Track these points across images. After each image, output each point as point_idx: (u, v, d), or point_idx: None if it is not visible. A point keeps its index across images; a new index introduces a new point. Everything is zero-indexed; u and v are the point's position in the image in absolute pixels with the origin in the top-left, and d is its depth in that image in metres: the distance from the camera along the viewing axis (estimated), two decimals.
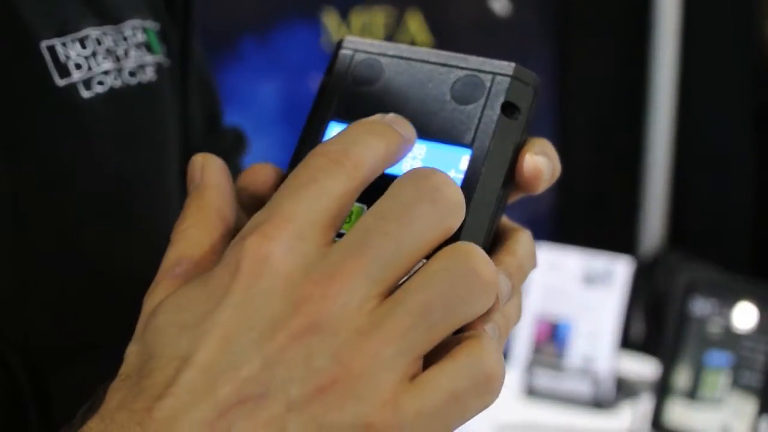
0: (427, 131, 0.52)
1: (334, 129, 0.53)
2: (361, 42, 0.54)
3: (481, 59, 0.53)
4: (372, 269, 0.43)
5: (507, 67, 0.52)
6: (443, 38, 2.04)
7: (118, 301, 0.61)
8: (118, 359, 0.63)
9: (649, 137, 2.34)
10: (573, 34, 2.22)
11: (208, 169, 0.52)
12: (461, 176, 0.51)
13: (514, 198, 0.54)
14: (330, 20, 1.99)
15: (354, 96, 0.53)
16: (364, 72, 0.53)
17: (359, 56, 0.54)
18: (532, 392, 1.83)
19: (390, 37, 2.03)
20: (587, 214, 2.31)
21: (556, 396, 1.82)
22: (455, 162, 0.51)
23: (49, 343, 0.59)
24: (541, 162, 0.51)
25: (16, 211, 0.56)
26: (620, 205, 2.38)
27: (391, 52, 0.54)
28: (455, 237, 0.48)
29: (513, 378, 1.86)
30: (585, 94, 2.27)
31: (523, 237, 0.52)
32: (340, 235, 0.49)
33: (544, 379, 1.82)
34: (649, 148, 2.34)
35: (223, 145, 0.84)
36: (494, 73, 0.52)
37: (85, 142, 0.60)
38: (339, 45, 0.55)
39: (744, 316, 1.63)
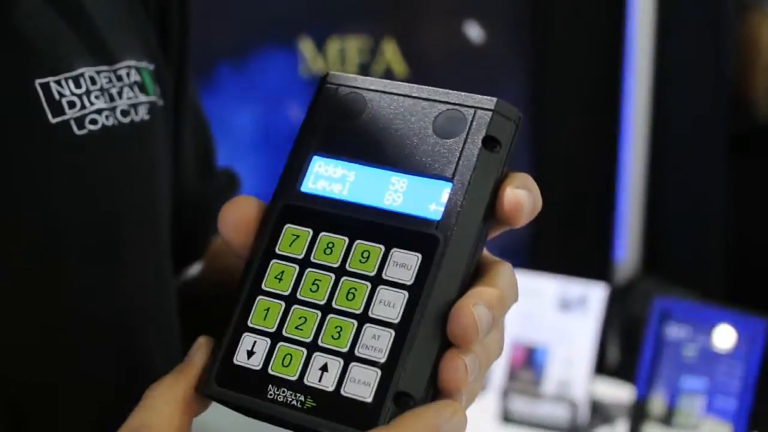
0: (409, 164, 0.53)
1: (317, 163, 0.54)
2: (345, 77, 0.55)
3: (463, 94, 0.53)
4: None
5: (489, 101, 0.53)
6: (418, 66, 2.05)
7: (100, 341, 0.62)
8: (96, 397, 0.64)
9: (624, 164, 2.35)
10: (548, 63, 2.24)
11: (201, 352, 0.53)
12: (441, 209, 0.51)
13: (495, 232, 0.54)
14: (306, 48, 2.00)
15: (338, 130, 0.54)
16: (347, 106, 0.54)
17: (343, 90, 0.54)
18: (508, 418, 1.83)
19: (366, 66, 2.04)
20: (562, 240, 2.32)
21: (532, 421, 1.82)
22: (436, 195, 0.52)
23: (31, 380, 0.59)
24: (521, 196, 0.52)
25: (9, 249, 0.56)
26: (595, 232, 2.39)
27: (374, 87, 0.55)
28: (435, 270, 0.50)
29: (489, 404, 1.86)
30: (559, 122, 2.28)
31: (504, 270, 0.53)
32: (315, 265, 0.53)
33: (520, 405, 1.82)
34: (624, 174, 2.35)
35: (216, 187, 0.85)
36: (476, 108, 0.53)
37: (78, 178, 0.60)
38: (323, 80, 0.55)
39: (719, 340, 1.64)
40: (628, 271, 2.37)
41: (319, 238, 0.53)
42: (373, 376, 0.49)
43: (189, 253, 0.82)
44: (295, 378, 0.51)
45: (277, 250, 0.54)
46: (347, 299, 0.52)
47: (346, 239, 0.53)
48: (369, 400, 0.49)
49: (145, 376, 0.64)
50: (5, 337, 0.57)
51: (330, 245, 0.53)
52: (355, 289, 0.52)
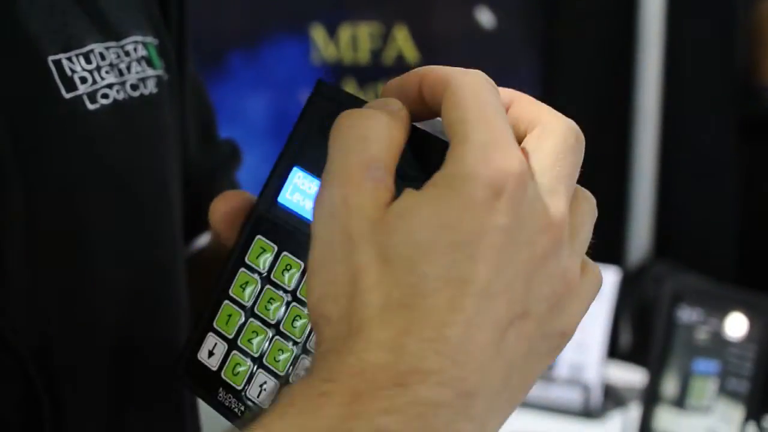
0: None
1: (296, 174, 0.54)
2: (335, 91, 0.54)
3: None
4: (570, 185, 0.47)
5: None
6: (429, 52, 2.06)
7: (121, 307, 0.63)
8: (128, 368, 0.65)
9: (634, 148, 2.35)
10: (559, 48, 2.24)
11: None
12: None
13: None
14: (318, 35, 2.01)
15: (318, 146, 0.52)
16: (329, 123, 0.51)
17: (330, 107, 0.52)
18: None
19: (377, 52, 2.04)
20: None
21: (545, 405, 1.83)
22: None
23: (65, 352, 0.60)
24: None
25: (29, 218, 0.58)
26: (607, 216, 2.38)
27: (360, 106, 0.52)
28: None
29: None
30: (570, 107, 2.28)
31: None
32: (274, 283, 0.53)
33: (534, 389, 1.83)
34: (635, 158, 2.35)
35: (219, 157, 0.86)
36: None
37: (93, 151, 0.62)
38: (315, 89, 0.54)
39: (732, 323, 1.65)
40: (640, 254, 2.37)
41: (281, 257, 0.54)
42: None
43: (196, 224, 0.83)
44: (240, 388, 0.53)
45: (246, 259, 0.55)
46: (292, 325, 0.53)
47: (302, 264, 0.53)
48: None
49: (156, 343, 0.66)
50: (35, 308, 0.58)
51: (288, 267, 0.53)
52: (300, 317, 0.53)
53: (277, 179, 0.55)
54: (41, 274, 0.58)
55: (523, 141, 0.47)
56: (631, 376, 1.93)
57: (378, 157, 0.45)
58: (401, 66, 2.06)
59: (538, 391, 1.82)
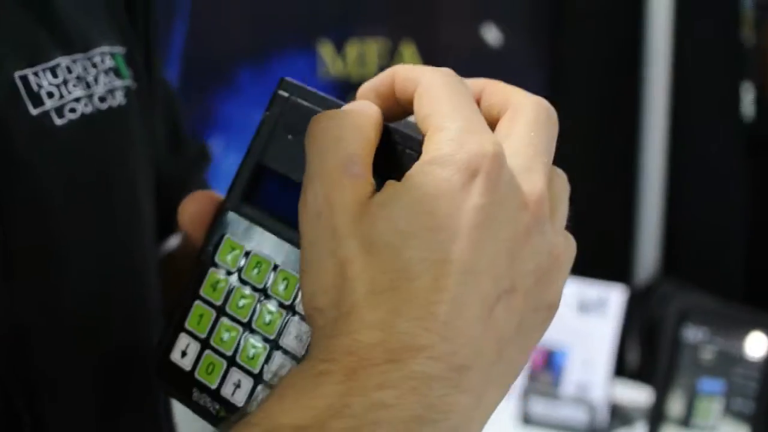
0: None
1: (260, 173, 0.54)
2: (299, 88, 0.54)
3: (404, 131, 0.51)
4: (547, 162, 0.49)
5: (419, 144, 0.50)
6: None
7: (98, 316, 0.63)
8: (108, 376, 0.65)
9: (642, 165, 2.34)
10: (565, 65, 2.23)
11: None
12: None
13: None
14: (326, 51, 2.01)
15: (282, 143, 0.53)
16: (294, 120, 0.53)
17: (293, 101, 0.53)
18: (527, 419, 1.83)
19: (385, 67, 2.04)
20: (580, 241, 2.31)
21: (551, 423, 1.82)
22: None
23: (44, 365, 0.60)
24: None
25: (1, 235, 0.57)
26: (614, 233, 2.38)
27: (323, 105, 0.53)
28: None
29: (509, 405, 1.86)
30: (576, 123, 2.28)
31: None
32: (244, 282, 0.53)
33: (540, 406, 1.83)
34: (643, 176, 2.34)
35: (188, 160, 0.86)
36: (406, 148, 0.50)
37: (62, 166, 0.61)
38: (278, 86, 0.55)
39: (741, 342, 1.64)
40: (648, 272, 2.36)
41: (250, 256, 0.54)
42: None
43: (166, 226, 0.83)
44: (214, 387, 0.53)
45: (216, 259, 0.55)
46: (265, 323, 0.53)
47: (273, 262, 0.53)
48: None
49: (134, 348, 0.66)
50: (15, 324, 0.58)
51: (258, 265, 0.54)
52: (272, 314, 0.53)
53: (242, 179, 0.55)
54: (17, 288, 0.58)
55: (496, 125, 0.49)
56: (638, 394, 1.92)
57: (354, 154, 0.47)
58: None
59: (544, 409, 1.82)
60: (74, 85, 0.63)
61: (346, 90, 2.00)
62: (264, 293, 0.53)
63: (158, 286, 0.71)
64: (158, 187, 0.77)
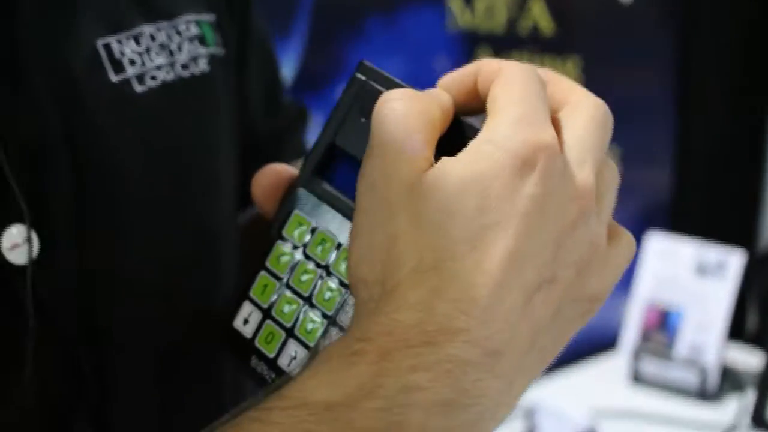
0: None
1: (334, 153, 0.55)
2: (376, 72, 0.53)
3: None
4: (599, 158, 0.48)
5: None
6: (564, 24, 2.04)
7: (170, 286, 0.65)
8: (175, 343, 0.65)
9: None
10: (698, 24, 2.19)
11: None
12: None
13: None
14: (455, 3, 2.01)
15: (354, 126, 0.53)
16: (368, 104, 0.51)
17: (369, 85, 0.53)
18: (638, 378, 1.83)
19: (513, 21, 2.04)
20: (704, 204, 2.28)
21: (661, 384, 1.82)
22: None
23: (112, 328, 0.62)
24: None
25: (77, 199, 0.59)
26: (738, 197, 2.33)
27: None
28: None
29: (620, 363, 1.87)
30: (706, 82, 2.23)
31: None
32: (309, 257, 0.54)
33: (651, 367, 1.83)
34: None
35: (284, 119, 0.86)
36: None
37: (140, 133, 0.62)
38: (356, 69, 0.54)
39: None
40: None
41: (316, 232, 0.55)
42: None
43: None
44: (272, 356, 0.54)
45: (283, 232, 0.56)
46: (324, 299, 0.53)
47: (337, 240, 0.54)
48: None
49: (194, 314, 0.67)
50: (73, 283, 0.59)
51: (323, 242, 0.54)
52: (332, 291, 0.53)
53: (316, 156, 0.55)
54: (86, 245, 0.59)
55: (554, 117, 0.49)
56: (752, 359, 1.90)
57: (417, 130, 0.47)
58: (536, 36, 2.05)
59: (656, 369, 1.82)
60: (157, 53, 0.64)
61: (475, 42, 2.01)
62: (326, 270, 0.54)
63: (236, 256, 0.72)
64: (256, 148, 0.78)
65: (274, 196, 0.57)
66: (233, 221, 0.73)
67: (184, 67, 0.66)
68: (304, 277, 0.54)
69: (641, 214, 2.16)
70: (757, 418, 1.66)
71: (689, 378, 1.79)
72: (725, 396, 1.80)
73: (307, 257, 0.54)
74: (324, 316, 0.53)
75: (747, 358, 1.92)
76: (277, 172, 0.58)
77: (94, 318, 0.60)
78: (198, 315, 0.67)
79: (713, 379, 1.79)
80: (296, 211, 0.55)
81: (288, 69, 1.87)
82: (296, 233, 0.55)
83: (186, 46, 0.67)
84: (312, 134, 0.87)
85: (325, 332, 0.52)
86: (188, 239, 0.67)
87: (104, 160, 0.60)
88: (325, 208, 0.54)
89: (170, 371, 0.66)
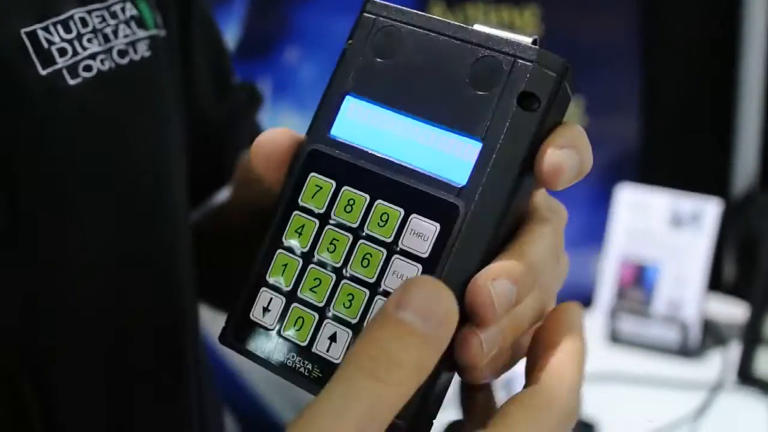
0: (440, 117, 0.49)
1: (350, 104, 0.51)
2: (385, 6, 0.51)
3: (506, 39, 0.48)
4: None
5: (531, 51, 0.48)
6: None
7: (116, 295, 0.60)
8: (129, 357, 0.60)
9: (741, 70, 2.24)
10: None
11: None
12: (468, 173, 0.47)
13: (538, 190, 0.50)
14: None
15: (371, 69, 0.50)
16: (383, 42, 0.50)
17: (381, 22, 0.51)
18: (616, 338, 1.77)
19: None
20: (675, 152, 2.24)
21: (641, 342, 1.76)
22: (464, 155, 0.48)
23: (48, 337, 0.57)
24: (563, 158, 0.46)
25: (10, 214, 0.54)
26: (712, 143, 2.29)
27: (414, 22, 0.50)
28: (451, 245, 0.46)
29: (597, 323, 1.80)
30: (675, 27, 2.19)
31: (541, 232, 0.48)
32: (335, 223, 0.49)
33: (629, 325, 1.77)
34: (743, 80, 2.25)
35: (236, 101, 0.81)
36: (516, 57, 0.48)
37: (77, 131, 0.57)
38: (363, 7, 0.51)
39: None
40: (747, 184, 2.27)
41: (341, 193, 0.50)
42: None
43: (215, 178, 0.79)
44: (305, 344, 0.49)
45: (300, 201, 0.51)
46: (362, 265, 0.49)
47: (368, 197, 0.49)
48: None
49: (141, 312, 0.62)
50: (8, 280, 0.55)
51: (351, 202, 0.50)
52: (371, 255, 0.48)
53: (327, 111, 0.51)
54: (23, 256, 0.54)
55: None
56: (733, 311, 1.85)
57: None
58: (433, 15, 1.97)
59: (634, 328, 1.76)
60: (89, 40, 0.58)
61: None
62: (359, 232, 0.49)
63: (190, 261, 0.67)
64: (204, 135, 0.73)
65: (279, 164, 0.51)
66: (187, 221, 0.67)
67: (122, 53, 0.60)
68: (333, 245, 0.49)
69: (609, 166, 2.10)
70: (743, 373, 1.60)
71: (669, 335, 1.73)
72: (708, 352, 1.74)
73: (334, 223, 0.50)
74: (364, 284, 0.48)
75: (728, 311, 1.86)
76: (281, 136, 0.51)
77: (31, 333, 0.55)
78: (151, 321, 0.62)
79: (694, 334, 1.73)
80: (313, 175, 0.51)
81: (230, 35, 1.79)
82: (316, 198, 0.50)
83: (122, 29, 0.60)
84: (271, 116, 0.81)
85: (370, 303, 0.48)
86: (141, 245, 0.61)
87: (37, 162, 0.55)
88: (348, 165, 0.50)
89: (122, 388, 0.61)
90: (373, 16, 0.51)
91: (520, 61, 0.48)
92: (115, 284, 0.59)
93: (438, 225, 0.47)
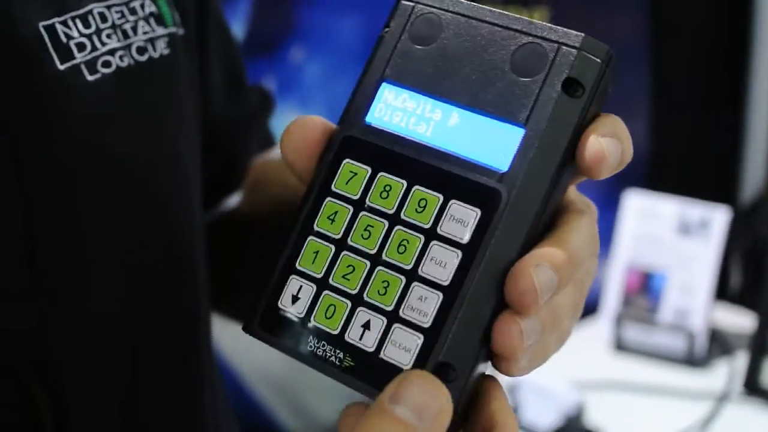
0: (481, 103, 0.48)
1: (386, 90, 0.50)
2: None
3: (548, 26, 0.48)
4: None
5: (575, 37, 0.48)
6: None
7: (134, 295, 0.58)
8: (128, 361, 0.59)
9: (751, 76, 2.23)
10: None
11: None
12: (510, 159, 0.47)
13: (578, 181, 0.49)
14: None
15: (409, 55, 0.50)
16: (421, 28, 0.50)
17: (419, 9, 0.51)
18: (621, 346, 1.75)
19: None
20: (684, 159, 2.22)
21: (646, 351, 1.73)
22: (506, 141, 0.47)
23: (61, 344, 0.55)
24: (606, 145, 0.46)
25: (23, 204, 0.53)
26: (720, 150, 2.28)
27: (453, 9, 0.50)
28: (493, 230, 0.45)
29: (602, 330, 1.78)
30: (684, 32, 2.17)
31: (580, 223, 0.48)
32: (370, 209, 0.49)
33: (635, 333, 1.74)
34: (752, 88, 2.23)
35: (248, 105, 0.80)
36: (559, 44, 0.48)
37: (94, 128, 0.55)
38: None
39: None
40: (755, 191, 2.25)
41: (377, 179, 0.49)
42: (415, 341, 0.46)
43: (226, 183, 0.78)
44: (336, 332, 0.48)
45: (333, 187, 0.50)
46: (398, 252, 0.48)
47: (405, 183, 0.49)
48: (408, 367, 0.45)
49: (159, 318, 0.61)
50: (23, 281, 0.53)
51: (387, 188, 0.49)
52: (408, 242, 0.48)
53: (363, 98, 0.51)
54: (36, 276, 0.53)
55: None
56: (740, 320, 1.83)
57: None
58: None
59: (639, 336, 1.73)
60: (109, 36, 0.57)
61: None
62: (395, 218, 0.48)
63: (205, 256, 0.66)
64: (215, 139, 0.72)
65: (310, 152, 0.50)
66: (203, 223, 0.66)
67: (141, 50, 0.59)
68: (368, 232, 0.49)
69: (617, 172, 2.08)
70: (750, 384, 1.58)
71: (676, 343, 1.71)
72: (714, 361, 1.72)
73: (369, 209, 0.49)
74: (400, 271, 0.47)
75: (734, 320, 1.84)
76: (312, 123, 0.50)
77: (46, 337, 0.54)
78: (171, 334, 0.62)
79: (701, 343, 1.70)
80: (347, 161, 0.50)
81: (236, 34, 1.78)
82: (350, 184, 0.50)
83: (141, 26, 0.59)
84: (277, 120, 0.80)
85: (407, 290, 0.47)
86: (158, 245, 0.60)
87: (53, 161, 0.53)
88: (384, 150, 0.50)
89: (137, 396, 0.60)
90: (412, 4, 0.51)
91: (565, 47, 0.47)
92: (133, 284, 0.58)
93: (479, 211, 0.46)
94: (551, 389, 1.51)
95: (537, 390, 1.51)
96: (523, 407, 1.51)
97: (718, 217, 1.75)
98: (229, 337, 0.52)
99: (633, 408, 1.57)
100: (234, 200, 0.79)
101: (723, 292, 1.96)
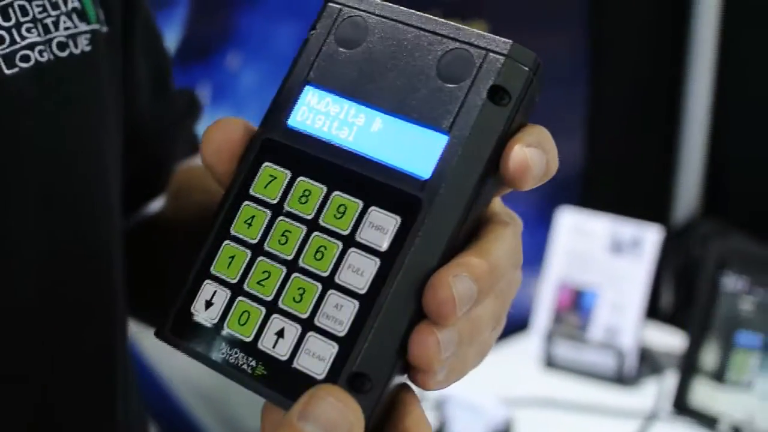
0: (405, 108, 0.47)
1: (309, 93, 0.49)
2: None
3: (477, 32, 0.47)
4: None
5: (503, 44, 0.47)
6: None
7: (48, 290, 0.57)
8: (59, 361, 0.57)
9: (686, 96, 2.25)
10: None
11: None
12: (432, 166, 0.46)
13: (502, 192, 0.48)
14: None
15: (334, 58, 0.49)
16: (347, 31, 0.49)
17: (346, 12, 0.50)
18: (551, 363, 1.75)
19: None
20: (617, 177, 2.23)
21: (576, 368, 1.74)
22: (428, 149, 0.46)
23: None
24: (530, 156, 0.45)
25: None
26: (654, 170, 2.29)
27: (381, 12, 0.49)
28: (412, 239, 0.44)
29: (532, 347, 1.78)
30: (619, 50, 2.19)
31: (503, 234, 0.47)
32: (288, 214, 0.48)
33: (565, 350, 1.74)
34: (686, 108, 2.25)
35: (174, 109, 0.78)
36: (487, 50, 0.47)
37: (10, 125, 0.54)
38: None
39: None
40: (688, 211, 2.27)
41: (296, 183, 0.48)
42: (330, 351, 0.45)
43: (149, 186, 0.76)
44: (249, 339, 0.47)
45: (251, 191, 0.49)
46: (315, 258, 0.47)
47: (324, 188, 0.48)
48: (321, 377, 0.44)
49: (75, 313, 0.60)
50: None
51: (307, 193, 0.48)
52: (325, 248, 0.47)
53: (285, 100, 0.50)
54: None
55: None
56: (670, 339, 1.84)
57: None
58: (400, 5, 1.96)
59: (569, 353, 1.73)
60: (29, 30, 0.56)
61: None
62: (313, 224, 0.47)
63: (122, 257, 0.64)
64: (139, 141, 0.70)
65: (231, 154, 0.49)
66: (121, 225, 0.65)
67: (62, 46, 0.57)
68: (285, 238, 0.48)
69: (551, 188, 2.08)
70: (678, 403, 1.59)
71: (605, 361, 1.71)
72: (644, 380, 1.73)
73: (287, 214, 0.48)
74: (316, 278, 0.46)
75: (664, 339, 1.84)
76: (233, 125, 0.49)
77: None
78: (85, 332, 0.60)
79: (631, 362, 1.71)
80: (266, 164, 0.49)
81: (171, 39, 1.76)
82: (269, 188, 0.49)
83: (63, 21, 0.58)
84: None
85: (322, 298, 0.46)
86: (75, 243, 0.59)
87: None
88: (304, 154, 0.49)
89: (47, 392, 0.59)
90: (339, 6, 0.50)
91: (492, 54, 0.46)
92: (47, 280, 0.56)
93: (399, 218, 0.45)
94: (480, 405, 1.50)
95: (465, 405, 1.50)
96: (451, 422, 1.50)
97: (650, 236, 1.76)
98: (154, 345, 0.50)
99: (562, 425, 1.57)
100: (157, 205, 0.77)
101: (654, 311, 1.97)
